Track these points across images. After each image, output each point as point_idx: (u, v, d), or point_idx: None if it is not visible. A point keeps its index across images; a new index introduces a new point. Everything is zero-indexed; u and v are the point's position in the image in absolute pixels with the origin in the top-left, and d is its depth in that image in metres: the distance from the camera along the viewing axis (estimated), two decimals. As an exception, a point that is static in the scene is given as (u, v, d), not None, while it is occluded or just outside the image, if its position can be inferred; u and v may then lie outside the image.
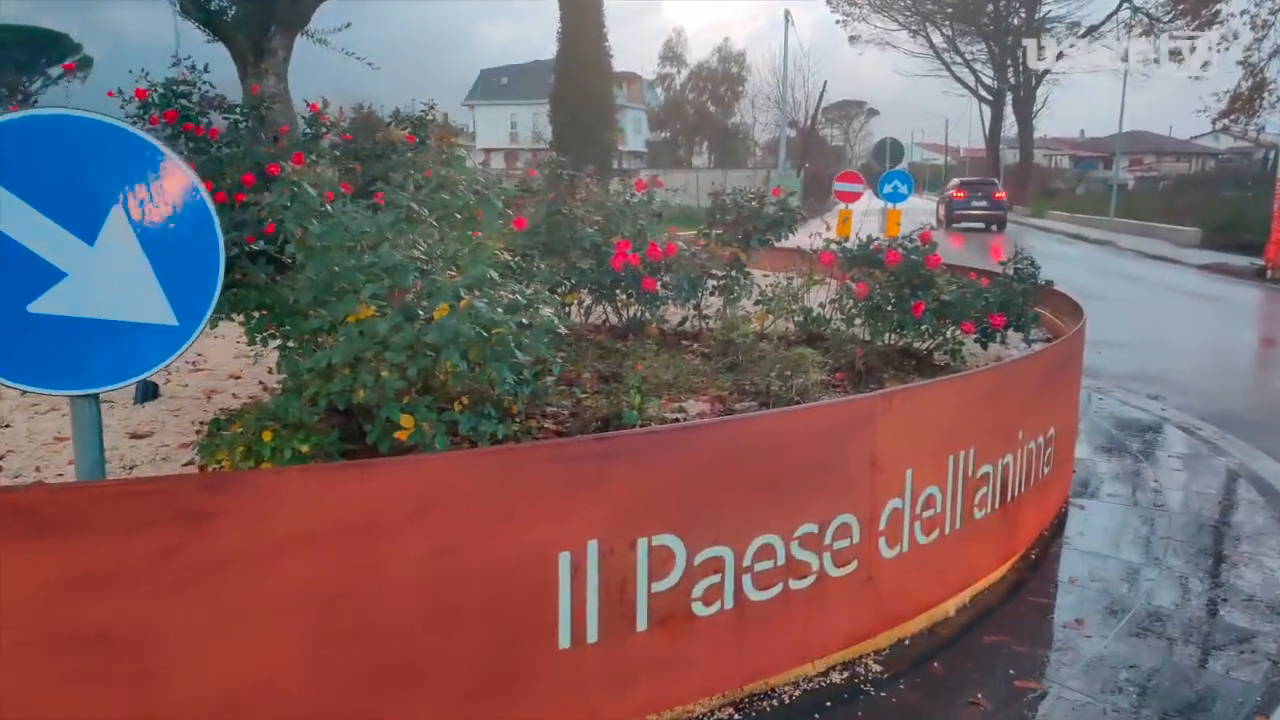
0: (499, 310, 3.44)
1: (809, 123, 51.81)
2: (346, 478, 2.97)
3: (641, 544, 3.35)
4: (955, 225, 35.70)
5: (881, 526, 4.11)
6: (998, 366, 5.07)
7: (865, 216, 20.37)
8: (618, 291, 6.69)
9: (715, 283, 7.40)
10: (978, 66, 57.28)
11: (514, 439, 4.20)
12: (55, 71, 76.19)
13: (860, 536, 4.00)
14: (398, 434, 3.39)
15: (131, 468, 4.65)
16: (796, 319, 7.26)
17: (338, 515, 2.91)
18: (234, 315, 4.53)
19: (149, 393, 6.08)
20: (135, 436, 5.26)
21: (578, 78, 41.22)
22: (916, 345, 7.21)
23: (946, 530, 4.51)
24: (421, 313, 3.43)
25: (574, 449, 3.31)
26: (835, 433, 3.92)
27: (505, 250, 5.56)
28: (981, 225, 35.90)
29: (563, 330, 4.41)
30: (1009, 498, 4.98)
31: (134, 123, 8.27)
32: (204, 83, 8.48)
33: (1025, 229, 40.86)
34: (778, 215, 7.30)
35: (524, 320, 3.75)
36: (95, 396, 3.09)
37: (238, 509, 2.80)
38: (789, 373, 5.67)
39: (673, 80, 72.01)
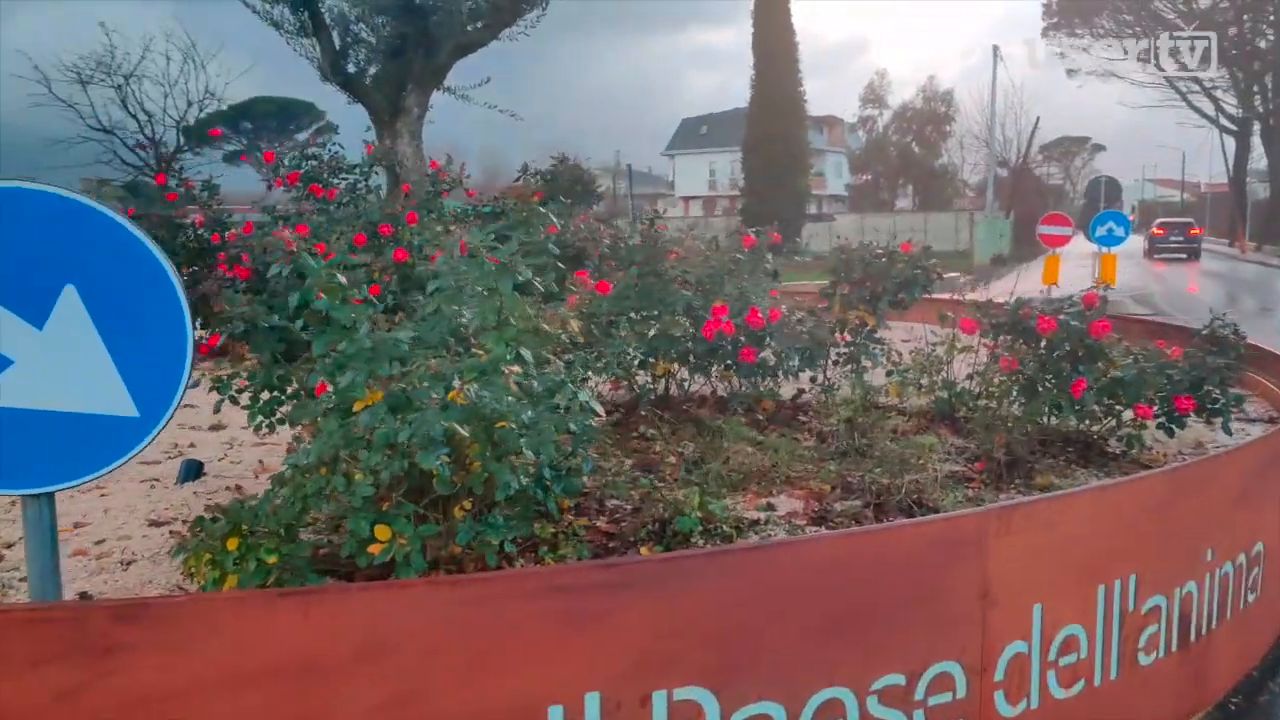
0: (507, 399, 2.92)
1: (1020, 161, 48.93)
2: (284, 608, 2.51)
3: (659, 699, 2.71)
4: (1156, 256, 42.13)
5: (998, 677, 3.26)
6: (1172, 470, 4.08)
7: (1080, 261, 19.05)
8: (713, 363, 6.03)
9: (840, 350, 6.60)
10: (1219, 94, 52.30)
11: (552, 543, 3.66)
12: (302, 138, 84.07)
13: (967, 690, 3.17)
14: (371, 548, 2.93)
15: (130, 562, 4.41)
16: (939, 392, 6.34)
17: (274, 652, 2.46)
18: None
19: (191, 472, 5.79)
20: (154, 524, 4.95)
21: (771, 123, 40.78)
22: (1087, 428, 6.11)
23: (1097, 680, 3.57)
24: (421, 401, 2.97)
25: (571, 577, 2.72)
26: (930, 558, 3.13)
27: (576, 322, 5.06)
28: (1183, 256, 41.99)
29: (599, 416, 3.84)
30: (1193, 636, 3.94)
31: (267, 185, 8.51)
32: (334, 144, 8.62)
33: (1274, 272, 36.67)
34: (910, 274, 6.40)
35: (559, 405, 3.21)
36: (48, 496, 2.79)
37: (155, 641, 2.41)
38: (902, 466, 4.84)
39: (875, 123, 70.35)
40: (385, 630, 2.49)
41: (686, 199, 71.98)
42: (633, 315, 5.92)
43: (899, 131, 69.11)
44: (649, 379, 6.35)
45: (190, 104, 36.73)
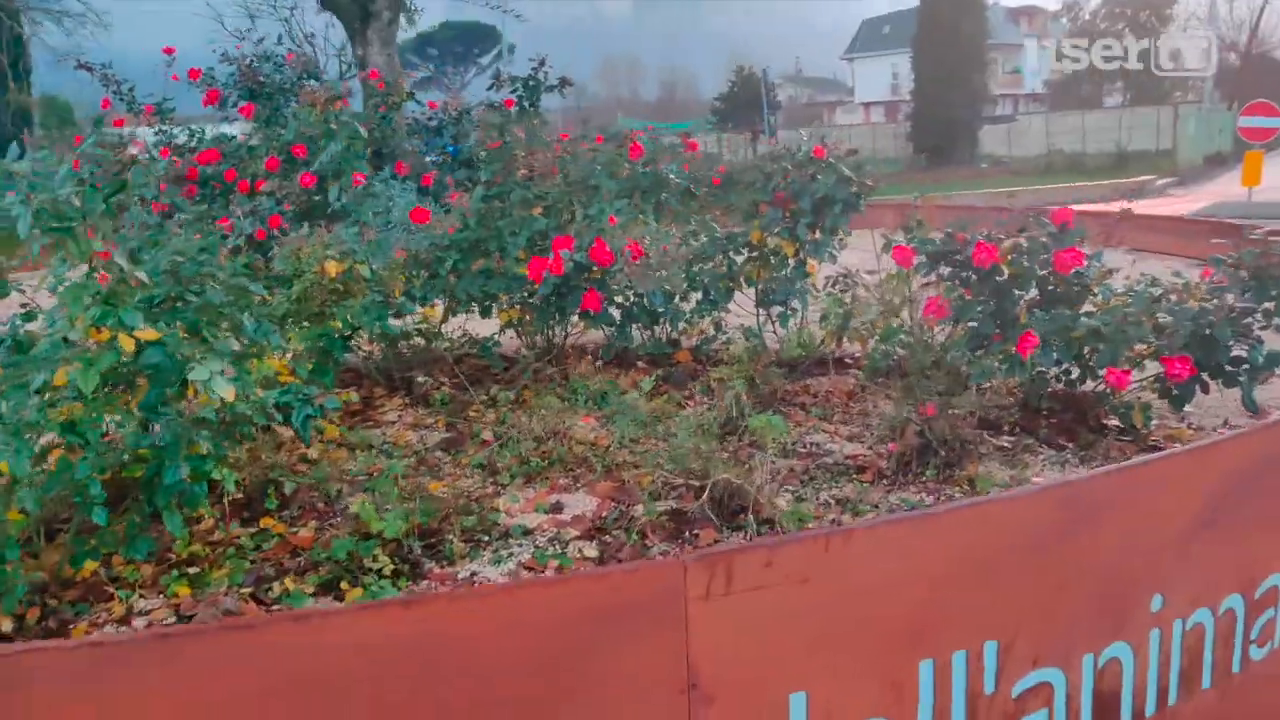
0: None
1: (1249, 44, 42.43)
2: None
3: None
4: None
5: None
6: (1060, 487, 2.71)
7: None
8: (563, 310, 4.70)
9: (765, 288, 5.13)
10: None
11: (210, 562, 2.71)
12: (484, 60, 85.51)
13: None
14: None
15: None
16: (878, 341, 4.80)
17: None
18: None
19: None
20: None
21: (944, 15, 36.97)
22: (1078, 387, 4.45)
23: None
24: None
25: None
26: (585, 637, 2.01)
27: (334, 265, 3.97)
28: None
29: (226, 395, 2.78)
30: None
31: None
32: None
33: None
34: (829, 189, 4.74)
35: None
36: None
37: None
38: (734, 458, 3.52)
39: (1080, 10, 63.19)
40: None
41: (867, 105, 67.81)
42: (463, 251, 4.73)
43: (1109, 19, 61.79)
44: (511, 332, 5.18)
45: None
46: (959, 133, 38.11)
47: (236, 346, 3.48)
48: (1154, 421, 4.51)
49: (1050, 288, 4.28)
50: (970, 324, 4.34)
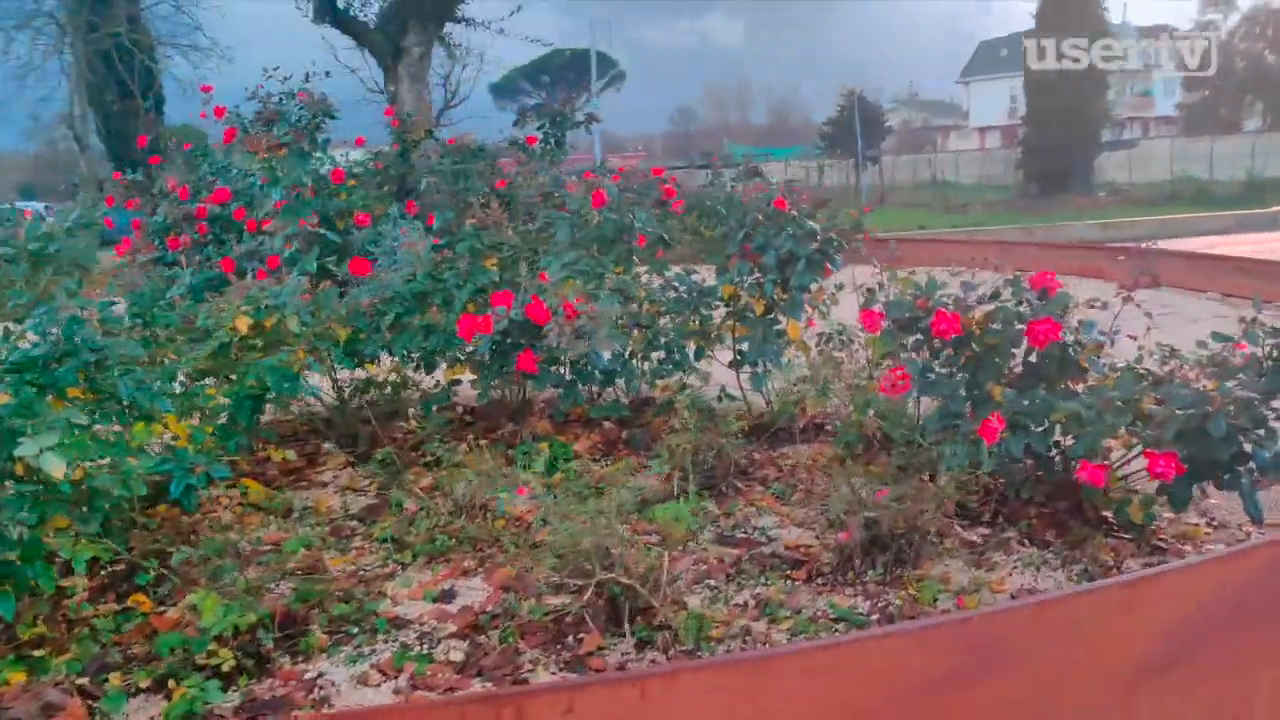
0: None
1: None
2: None
3: None
4: None
5: None
6: (953, 623, 2.30)
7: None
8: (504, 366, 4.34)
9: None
10: None
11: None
12: (597, 87, 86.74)
13: None
14: None
15: None
16: (855, 411, 4.31)
17: None
18: None
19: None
20: None
21: (1058, 35, 35.34)
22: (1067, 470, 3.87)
23: None
24: None
25: None
26: None
27: (245, 320, 3.78)
28: None
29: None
30: None
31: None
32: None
33: None
34: (794, 245, 4.20)
35: None
36: None
37: None
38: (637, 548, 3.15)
39: (1217, 29, 59.82)
40: None
41: (982, 129, 65.76)
42: (407, 304, 4.45)
43: (1248, 38, 58.38)
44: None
45: (455, 61, 38.47)
46: (1073, 159, 36.39)
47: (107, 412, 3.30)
48: (1165, 516, 3.91)
49: (1031, 361, 3.74)
50: (943, 398, 3.83)
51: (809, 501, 4.16)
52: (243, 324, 3.89)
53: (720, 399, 4.94)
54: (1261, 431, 3.26)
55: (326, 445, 4.81)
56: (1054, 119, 36.20)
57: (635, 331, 4.61)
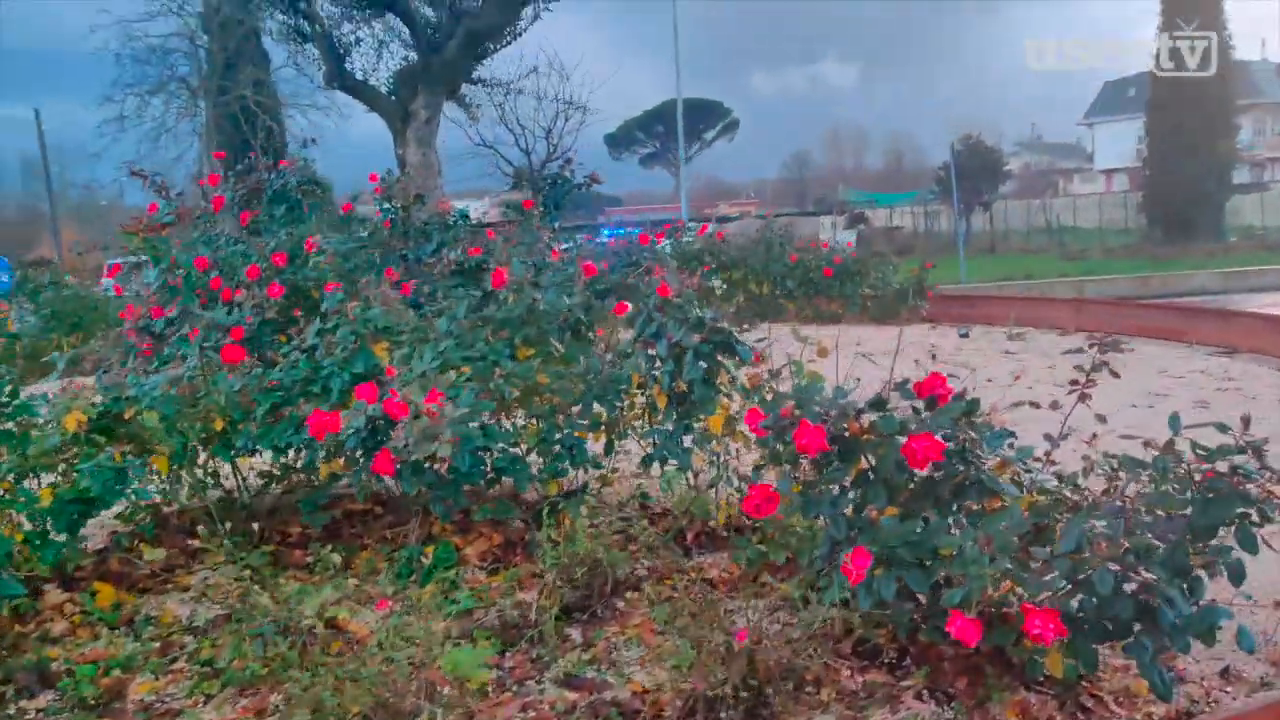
0: None
1: None
2: None
3: None
4: None
5: None
6: None
7: None
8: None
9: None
10: None
11: None
12: (709, 135, 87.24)
13: None
14: None
15: None
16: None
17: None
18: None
19: None
20: None
21: (1184, 76, 33.34)
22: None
23: None
24: None
25: None
26: None
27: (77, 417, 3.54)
28: None
29: None
30: None
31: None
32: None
33: None
34: (682, 337, 3.57)
35: None
36: None
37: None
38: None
39: (1370, 60, 55.69)
40: None
41: (1108, 172, 62.84)
42: (286, 394, 4.15)
43: (1407, 68, 54.17)
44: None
45: (558, 114, 39.16)
46: (1200, 203, 34.12)
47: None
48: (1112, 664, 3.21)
49: (933, 478, 3.13)
50: (828, 520, 3.25)
51: (699, 627, 3.62)
52: (71, 421, 3.66)
53: (635, 499, 4.44)
54: (1184, 585, 2.58)
55: (215, 543, 4.53)
56: (1179, 160, 34.05)
57: (531, 424, 4.19)
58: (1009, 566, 2.72)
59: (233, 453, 4.32)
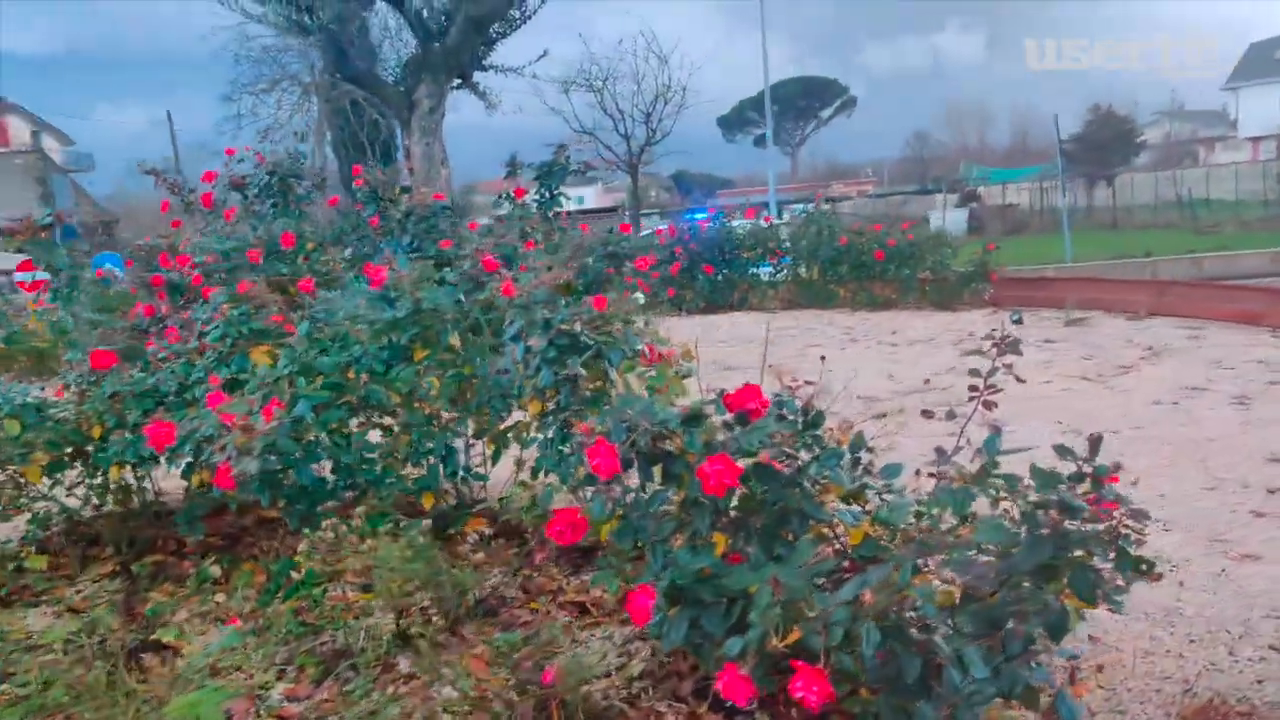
0: None
1: None
2: None
3: None
4: None
5: None
6: None
7: None
8: None
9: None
10: None
11: None
12: (826, 114, 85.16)
13: None
14: None
15: None
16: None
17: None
18: None
19: None
20: None
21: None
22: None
23: None
24: None
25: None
26: None
27: None
28: None
29: None
30: None
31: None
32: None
33: None
34: (540, 334, 3.12)
35: None
36: None
37: None
38: None
39: None
40: None
41: (1255, 139, 58.27)
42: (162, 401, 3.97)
43: None
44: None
45: (656, 98, 38.89)
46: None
47: None
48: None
49: (752, 499, 2.67)
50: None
51: (528, 661, 3.25)
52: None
53: (523, 512, 4.09)
54: (990, 643, 2.07)
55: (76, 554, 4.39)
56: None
57: (401, 434, 3.90)
58: (795, 615, 2.25)
59: (109, 462, 4.18)
